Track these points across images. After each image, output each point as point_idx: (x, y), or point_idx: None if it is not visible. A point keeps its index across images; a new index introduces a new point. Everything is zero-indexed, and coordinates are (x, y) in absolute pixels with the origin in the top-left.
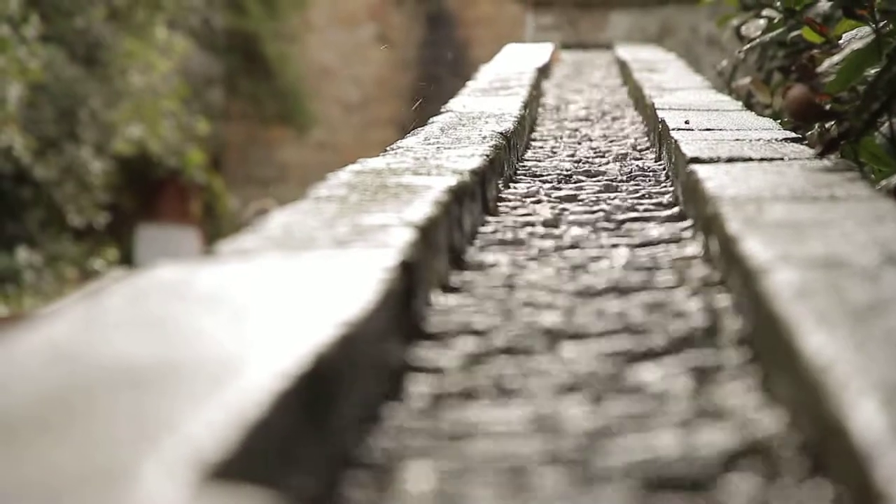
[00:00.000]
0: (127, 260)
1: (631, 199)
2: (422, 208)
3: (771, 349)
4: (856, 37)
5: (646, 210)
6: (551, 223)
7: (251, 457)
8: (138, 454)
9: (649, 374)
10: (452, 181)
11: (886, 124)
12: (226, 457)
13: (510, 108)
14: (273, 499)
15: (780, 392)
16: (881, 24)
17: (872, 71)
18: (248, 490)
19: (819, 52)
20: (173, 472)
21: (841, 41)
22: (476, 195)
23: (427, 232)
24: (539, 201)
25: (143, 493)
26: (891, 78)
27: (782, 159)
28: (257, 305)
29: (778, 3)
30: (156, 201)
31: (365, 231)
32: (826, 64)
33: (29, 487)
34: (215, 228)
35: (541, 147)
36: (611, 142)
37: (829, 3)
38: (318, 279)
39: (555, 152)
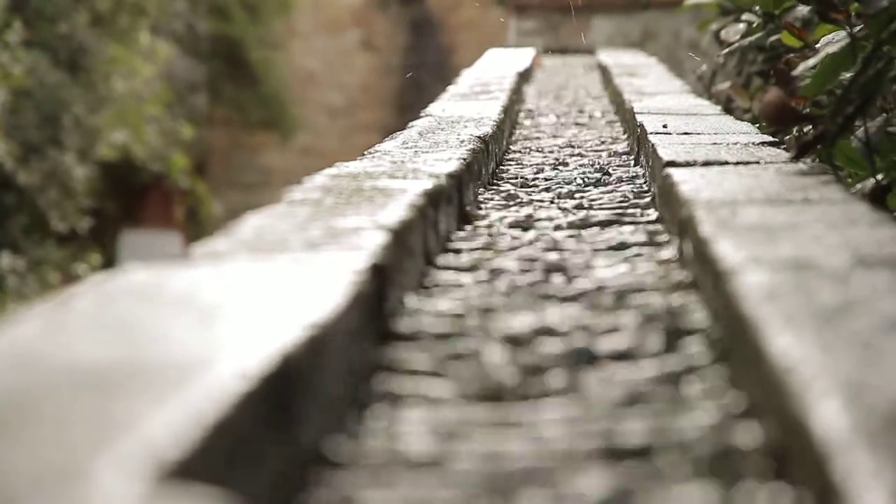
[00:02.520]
0: (111, 265)
1: (608, 202)
2: (396, 211)
3: (740, 350)
4: (832, 41)
5: (623, 214)
6: (526, 226)
7: (210, 457)
8: (94, 454)
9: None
10: (428, 185)
11: (862, 128)
12: (183, 457)
13: (489, 112)
14: (228, 498)
15: (749, 393)
16: (856, 28)
17: (848, 75)
18: (205, 489)
19: (795, 56)
20: (128, 472)
21: (818, 45)
22: (452, 199)
23: (400, 235)
24: (517, 204)
25: (96, 492)
26: (865, 81)
27: (758, 163)
28: (226, 308)
29: (757, 8)
30: (140, 206)
31: (338, 234)
32: (801, 67)
33: None
34: (199, 233)
35: (520, 151)
36: (591, 146)
37: (808, 8)
38: (288, 282)
39: (534, 156)
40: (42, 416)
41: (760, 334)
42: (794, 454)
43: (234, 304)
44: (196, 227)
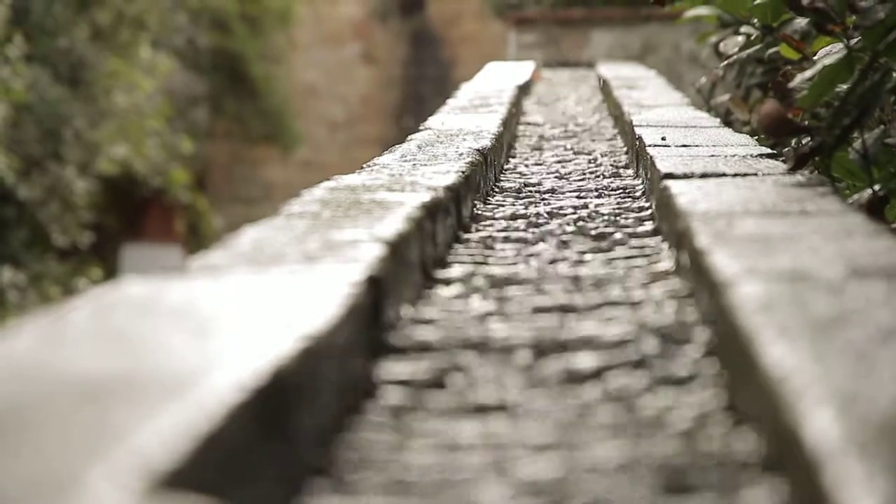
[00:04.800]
0: (112, 279)
1: (604, 213)
2: (393, 224)
3: (734, 361)
4: (829, 53)
5: (620, 228)
6: (525, 239)
7: (203, 467)
8: (87, 464)
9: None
10: (426, 197)
11: (860, 139)
12: (175, 467)
13: (488, 125)
14: (219, 502)
15: (744, 403)
16: (853, 40)
17: (844, 86)
18: (195, 499)
19: (792, 67)
20: (120, 481)
21: (815, 57)
22: (450, 211)
23: (397, 247)
24: (514, 217)
25: (87, 500)
26: (862, 93)
27: (756, 175)
28: (222, 320)
29: (755, 20)
30: (140, 221)
31: (335, 247)
32: (798, 79)
33: None
34: (200, 247)
35: (519, 164)
36: (590, 158)
37: (806, 20)
38: (284, 294)
39: (533, 169)
40: (37, 426)
41: (755, 344)
42: (787, 462)
43: (230, 316)
44: (197, 242)
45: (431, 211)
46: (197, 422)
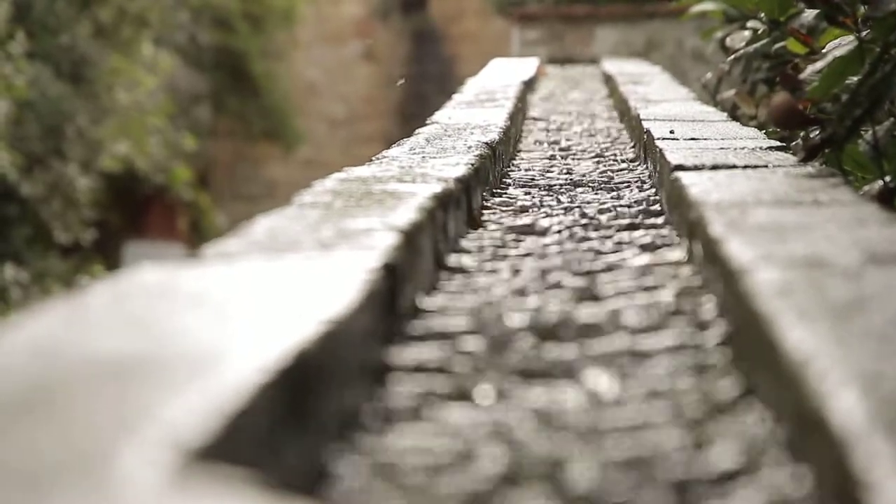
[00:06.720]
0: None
1: (613, 204)
2: (406, 214)
3: (753, 347)
4: (839, 45)
5: (630, 225)
6: (534, 230)
7: (231, 444)
8: (117, 439)
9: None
10: (437, 188)
11: (870, 131)
12: (206, 443)
13: (496, 119)
14: (252, 478)
15: (763, 389)
16: (864, 32)
17: (854, 78)
18: (228, 471)
19: (802, 60)
20: (152, 456)
21: (825, 49)
22: (461, 203)
23: (411, 236)
24: (523, 209)
25: (120, 475)
26: (873, 84)
27: (766, 166)
28: (240, 304)
29: (762, 15)
30: (143, 218)
31: (349, 235)
32: (808, 71)
33: (8, 472)
34: (202, 245)
35: (526, 157)
36: (596, 154)
37: (814, 14)
38: (301, 280)
39: (540, 162)
40: (65, 404)
41: (775, 329)
42: (811, 445)
43: (248, 300)
44: (199, 239)
45: (443, 201)
46: (225, 399)
